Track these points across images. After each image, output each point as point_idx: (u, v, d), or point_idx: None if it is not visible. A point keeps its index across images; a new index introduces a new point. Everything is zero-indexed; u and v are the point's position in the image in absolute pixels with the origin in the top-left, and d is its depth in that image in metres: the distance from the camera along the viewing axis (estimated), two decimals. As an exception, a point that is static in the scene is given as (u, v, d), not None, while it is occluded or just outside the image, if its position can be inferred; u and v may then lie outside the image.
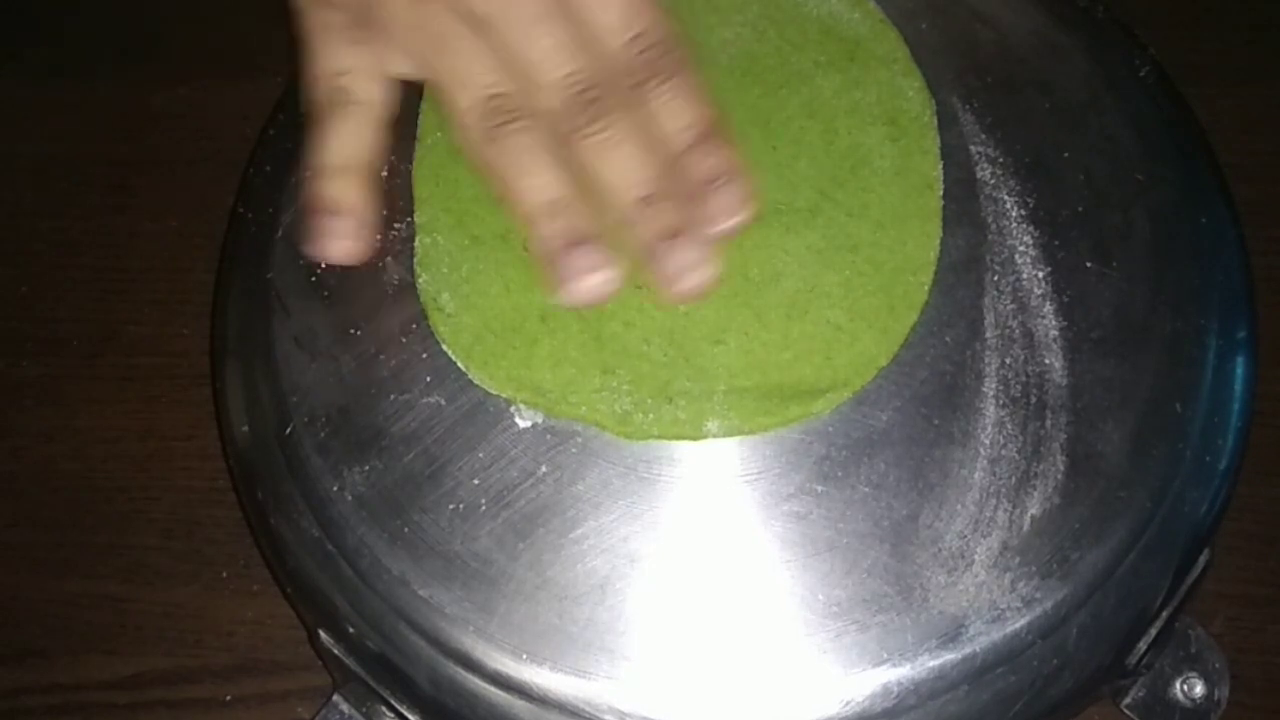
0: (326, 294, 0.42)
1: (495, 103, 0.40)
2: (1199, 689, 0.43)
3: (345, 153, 0.42)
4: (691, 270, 0.40)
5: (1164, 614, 0.40)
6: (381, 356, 0.41)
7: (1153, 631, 0.40)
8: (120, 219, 0.55)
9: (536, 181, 0.40)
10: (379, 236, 0.42)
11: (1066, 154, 0.43)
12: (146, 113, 0.57)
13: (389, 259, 0.42)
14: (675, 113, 0.40)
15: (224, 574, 0.49)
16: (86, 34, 0.59)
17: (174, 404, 0.52)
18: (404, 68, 0.42)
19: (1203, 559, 0.40)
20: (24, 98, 0.58)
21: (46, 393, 0.52)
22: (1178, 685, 0.43)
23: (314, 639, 0.41)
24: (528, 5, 0.39)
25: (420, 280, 0.42)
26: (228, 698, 0.48)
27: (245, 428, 0.42)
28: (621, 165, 0.40)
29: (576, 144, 0.40)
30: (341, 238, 0.41)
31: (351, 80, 0.41)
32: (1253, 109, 0.52)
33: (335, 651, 0.40)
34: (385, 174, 0.43)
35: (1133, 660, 0.40)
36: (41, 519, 0.50)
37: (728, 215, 0.40)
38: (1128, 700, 0.43)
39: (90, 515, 0.50)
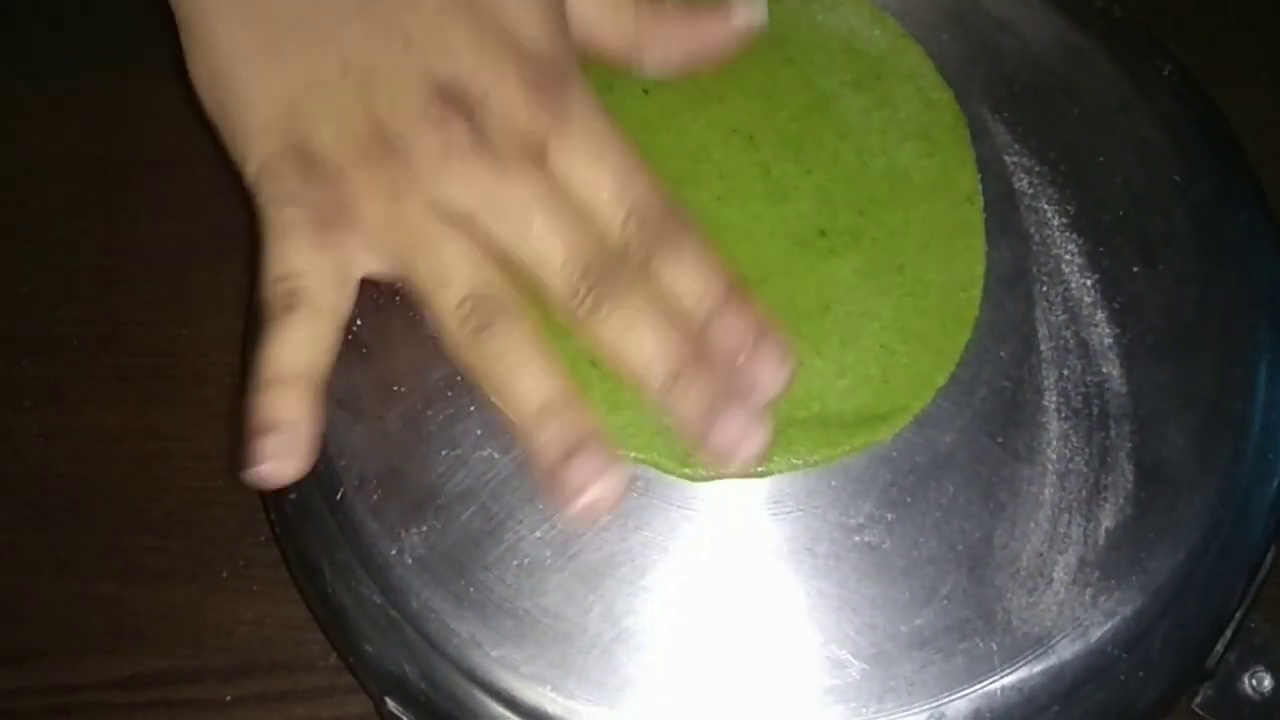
0: (365, 351, 0.41)
1: (480, 303, 0.38)
2: (1267, 683, 0.43)
3: (295, 362, 0.38)
4: (744, 440, 0.37)
5: (1238, 614, 0.40)
6: (429, 412, 0.40)
7: (1229, 632, 0.40)
8: (120, 219, 0.55)
9: (525, 385, 0.38)
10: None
11: (1101, 158, 0.42)
12: (146, 113, 0.57)
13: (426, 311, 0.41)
14: (688, 283, 0.38)
15: (223, 574, 0.49)
16: (86, 34, 0.58)
17: (174, 404, 0.51)
18: (374, 267, 0.39)
19: (1270, 555, 0.40)
20: (24, 98, 0.58)
21: (46, 393, 0.52)
22: (1246, 680, 0.43)
23: (380, 707, 0.40)
24: (515, 194, 0.38)
25: None
26: (227, 698, 0.47)
27: (293, 495, 0.40)
28: (641, 345, 0.37)
29: (589, 330, 0.38)
30: (276, 457, 0.37)
31: (311, 282, 0.38)
32: (1261, 108, 0.52)
33: (404, 719, 0.39)
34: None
35: (1211, 663, 0.40)
36: (40, 519, 0.50)
37: (770, 377, 0.38)
38: (1198, 700, 0.42)
39: (89, 515, 0.50)
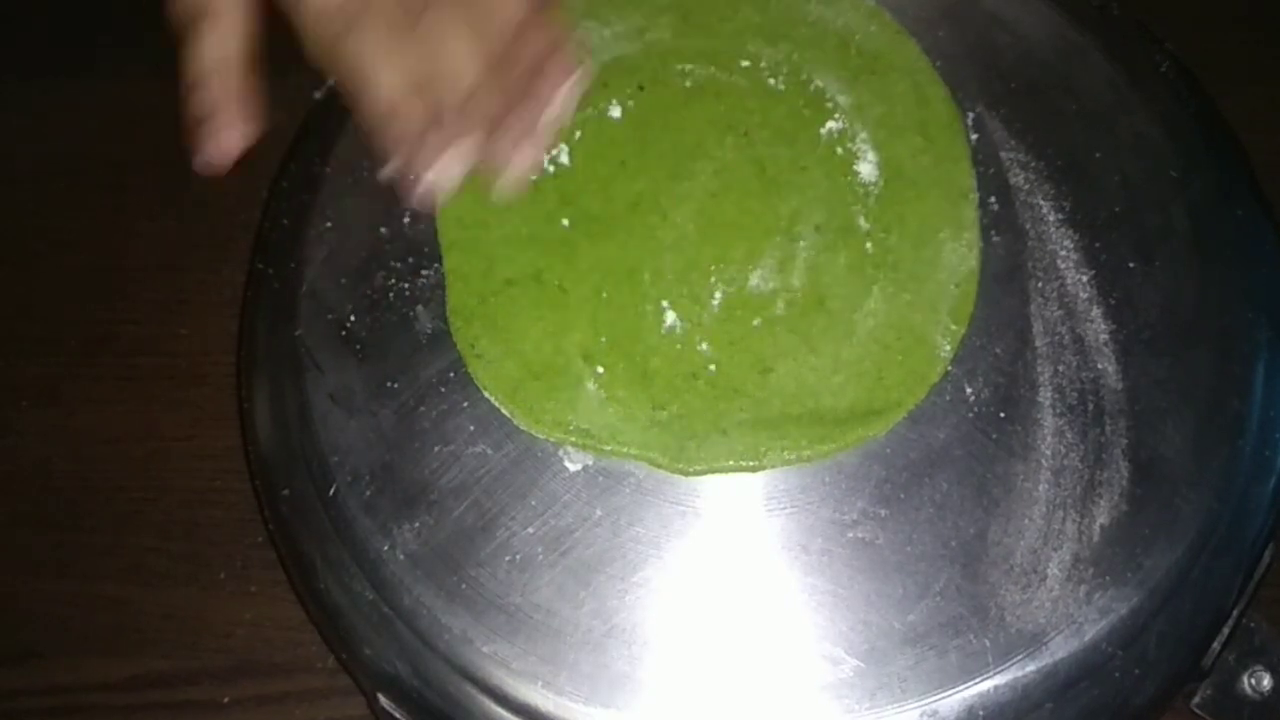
0: (359, 348, 0.41)
1: (339, 5, 0.40)
2: (1266, 682, 0.42)
3: (210, 59, 0.40)
4: (518, 159, 0.40)
5: (1235, 612, 0.39)
6: (421, 408, 0.40)
7: (1226, 631, 0.39)
8: (120, 219, 0.55)
9: (385, 77, 0.40)
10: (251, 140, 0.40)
11: (1098, 155, 0.42)
12: (146, 112, 0.56)
13: (419, 308, 0.41)
14: (504, 3, 0.40)
15: (222, 575, 0.48)
16: (86, 33, 0.58)
17: (173, 404, 0.51)
18: None
19: (1268, 554, 0.40)
20: (24, 98, 0.58)
21: (45, 393, 0.52)
22: (1245, 680, 0.42)
23: (373, 703, 0.40)
24: None
25: (455, 327, 0.41)
26: (225, 699, 0.47)
27: (286, 491, 0.40)
28: (453, 54, 0.40)
29: (410, 41, 0.40)
30: (221, 131, 0.40)
31: None
32: (1258, 107, 0.52)
33: (396, 715, 0.39)
34: (408, 220, 0.42)
35: (1208, 661, 0.39)
36: (40, 519, 0.50)
37: (553, 88, 0.40)
38: (1197, 700, 0.42)
39: (89, 516, 0.50)
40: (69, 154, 0.56)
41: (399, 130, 0.40)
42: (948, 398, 0.39)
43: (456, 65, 0.40)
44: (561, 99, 0.41)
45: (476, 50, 0.40)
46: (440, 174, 0.40)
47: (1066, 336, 0.40)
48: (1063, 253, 0.41)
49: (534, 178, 0.41)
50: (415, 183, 0.40)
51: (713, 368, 0.39)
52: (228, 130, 0.39)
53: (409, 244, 0.42)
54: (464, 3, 0.40)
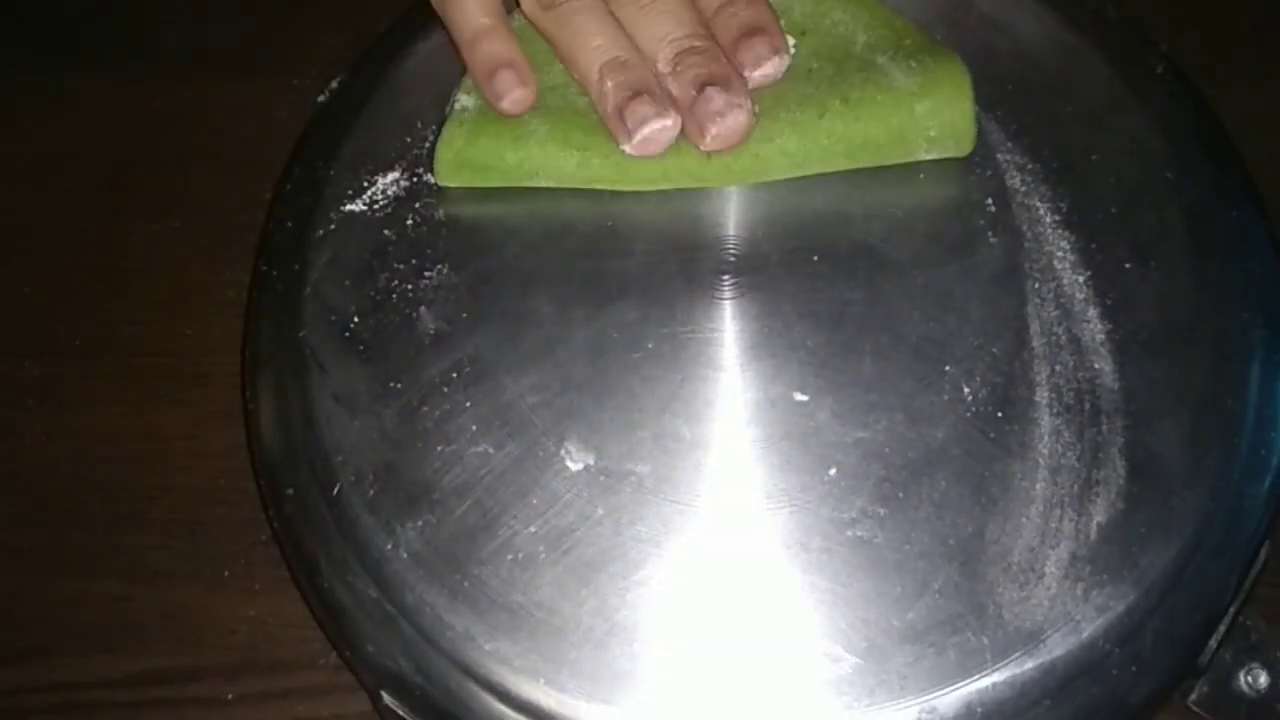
0: (362, 348, 0.41)
1: None
2: (1263, 679, 0.43)
3: (482, 12, 0.44)
4: (722, 116, 0.41)
5: (1231, 610, 0.40)
6: (424, 409, 0.40)
7: (1222, 628, 0.40)
8: (121, 219, 0.55)
9: (595, 42, 0.43)
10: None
11: (1094, 156, 0.43)
12: (146, 112, 0.57)
13: (423, 309, 0.42)
14: None
15: (225, 573, 0.49)
16: (86, 34, 0.59)
17: (174, 404, 0.51)
18: None
19: (1264, 552, 0.40)
20: (24, 98, 0.58)
21: (47, 393, 0.52)
22: (1241, 677, 0.43)
23: (375, 700, 0.40)
24: None
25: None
26: (229, 696, 0.47)
27: (290, 490, 0.41)
28: (656, 25, 0.42)
29: (620, 11, 0.43)
30: (517, 87, 0.43)
31: None
32: (1252, 108, 0.52)
33: (400, 713, 0.40)
34: (411, 222, 0.43)
35: (1204, 659, 0.40)
36: (41, 519, 0.50)
37: (755, 61, 0.42)
38: (1193, 697, 0.42)
39: (90, 515, 0.50)
40: (69, 154, 0.57)
41: (605, 97, 0.42)
42: (946, 397, 0.39)
43: (657, 35, 0.42)
44: (765, 67, 0.43)
45: (681, 21, 0.43)
46: (642, 148, 0.42)
47: (1063, 337, 0.40)
48: (1059, 254, 0.41)
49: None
50: (628, 137, 0.42)
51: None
52: (517, 91, 0.43)
53: (412, 245, 0.43)
54: None
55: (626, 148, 0.42)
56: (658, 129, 0.42)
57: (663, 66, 0.42)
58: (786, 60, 0.43)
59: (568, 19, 0.43)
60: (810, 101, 0.42)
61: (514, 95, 0.43)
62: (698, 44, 0.42)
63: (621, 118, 0.42)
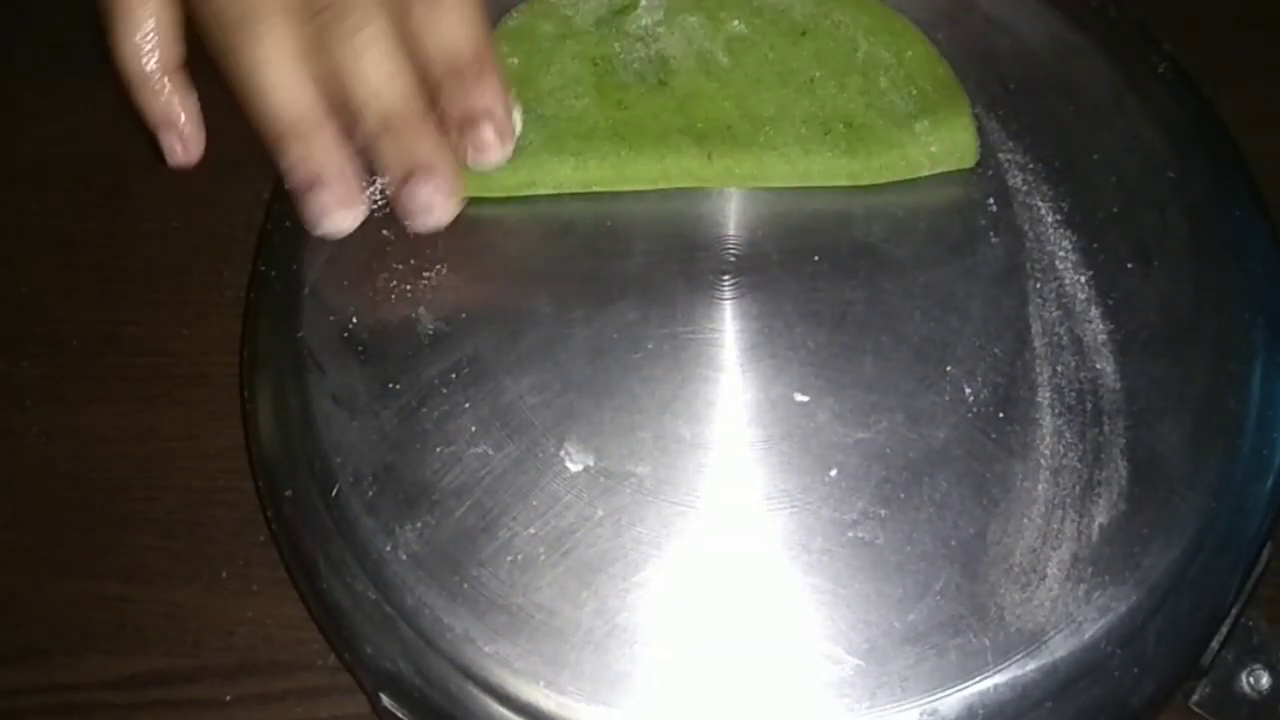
0: (361, 349, 0.41)
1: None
2: (1265, 680, 0.42)
3: (148, 50, 0.39)
4: (427, 211, 0.39)
5: (1233, 611, 0.40)
6: (423, 410, 0.40)
7: (1224, 629, 0.39)
8: (121, 219, 0.55)
9: (279, 95, 0.37)
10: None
11: (1096, 156, 0.42)
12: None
13: (421, 309, 0.41)
14: (443, 30, 0.37)
15: (224, 574, 0.48)
16: (86, 34, 0.58)
17: (174, 404, 0.51)
18: None
19: (1266, 552, 0.40)
20: (24, 98, 0.58)
21: (47, 393, 0.52)
22: (1243, 678, 0.43)
23: (374, 702, 0.40)
24: None
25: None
26: (228, 698, 0.47)
27: (289, 491, 0.41)
28: (368, 77, 0.37)
29: (326, 44, 0.37)
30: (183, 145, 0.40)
31: None
32: (1255, 108, 0.52)
33: (398, 715, 0.39)
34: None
35: (1206, 660, 0.40)
36: (41, 519, 0.50)
37: (486, 157, 0.39)
38: (1195, 698, 0.42)
39: (90, 515, 0.50)
40: (70, 154, 0.56)
41: (296, 153, 0.37)
42: (947, 398, 0.39)
43: (371, 90, 0.37)
44: (493, 163, 0.39)
45: (400, 75, 0.37)
46: (332, 224, 0.38)
47: (1065, 337, 0.40)
48: (1061, 253, 0.41)
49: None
50: (312, 215, 0.38)
51: None
52: (193, 145, 0.39)
53: (411, 246, 0.42)
54: (400, 26, 0.37)
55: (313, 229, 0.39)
56: (340, 221, 0.39)
57: (370, 125, 0.37)
58: (510, 148, 0.40)
59: (252, 45, 0.36)
60: (815, 120, 0.42)
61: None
62: (410, 112, 0.37)
63: (304, 203, 0.38)
